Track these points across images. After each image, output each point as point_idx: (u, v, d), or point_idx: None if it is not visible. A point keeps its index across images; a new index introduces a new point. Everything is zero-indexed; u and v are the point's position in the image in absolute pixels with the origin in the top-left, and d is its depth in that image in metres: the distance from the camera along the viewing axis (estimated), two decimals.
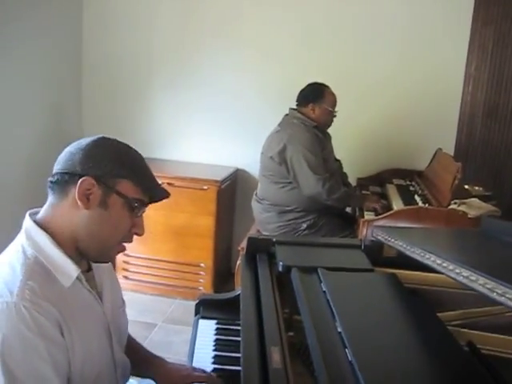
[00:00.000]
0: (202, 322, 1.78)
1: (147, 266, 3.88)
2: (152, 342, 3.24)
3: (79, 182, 1.25)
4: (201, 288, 3.82)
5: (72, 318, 1.24)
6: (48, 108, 3.89)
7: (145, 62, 4.21)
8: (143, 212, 1.36)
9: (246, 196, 3.94)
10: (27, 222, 1.31)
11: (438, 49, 3.81)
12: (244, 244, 3.26)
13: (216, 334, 1.67)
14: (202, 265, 3.82)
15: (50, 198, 1.32)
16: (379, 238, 1.78)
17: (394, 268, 1.68)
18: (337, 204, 3.23)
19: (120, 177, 1.29)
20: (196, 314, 1.86)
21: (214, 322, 1.76)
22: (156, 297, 3.85)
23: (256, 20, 4.01)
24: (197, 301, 1.89)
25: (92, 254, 1.34)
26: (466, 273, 1.14)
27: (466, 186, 3.26)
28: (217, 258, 3.84)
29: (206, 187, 3.70)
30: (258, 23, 4.01)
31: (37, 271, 1.23)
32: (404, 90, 3.89)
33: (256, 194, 3.51)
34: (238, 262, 3.24)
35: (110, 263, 1.52)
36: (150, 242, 3.81)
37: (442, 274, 1.27)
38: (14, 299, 1.14)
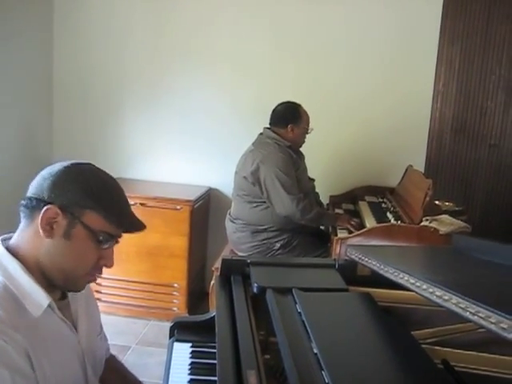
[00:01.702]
0: (176, 344, 1.75)
1: (120, 288, 3.84)
2: (126, 365, 3.19)
3: (44, 209, 1.22)
4: (175, 309, 3.80)
5: (43, 348, 1.20)
6: (17, 128, 3.84)
7: (116, 81, 4.20)
8: (114, 244, 1.32)
9: (219, 215, 3.93)
10: None
11: (408, 67, 3.90)
12: (218, 264, 3.25)
13: (191, 358, 1.64)
14: (175, 285, 3.79)
15: (21, 222, 1.29)
16: (353, 257, 1.79)
17: (368, 287, 1.68)
18: (310, 223, 3.25)
19: (86, 207, 1.25)
20: (170, 337, 1.83)
21: (189, 344, 1.74)
22: (129, 318, 3.80)
23: (229, 37, 4.04)
24: (171, 323, 1.86)
25: (58, 283, 1.30)
26: (439, 292, 1.15)
27: (437, 202, 3.31)
28: (190, 279, 3.82)
29: (179, 207, 3.69)
30: (231, 40, 4.04)
31: (6, 298, 1.19)
32: (375, 107, 3.96)
33: (229, 214, 3.50)
34: (212, 283, 3.21)
35: (87, 288, 1.49)
36: (123, 263, 3.77)
37: (415, 293, 1.28)
38: None
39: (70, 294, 1.39)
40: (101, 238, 1.28)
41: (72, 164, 1.30)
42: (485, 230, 3.91)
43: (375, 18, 3.88)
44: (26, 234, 1.28)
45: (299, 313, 1.41)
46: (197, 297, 3.96)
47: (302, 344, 1.25)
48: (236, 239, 3.39)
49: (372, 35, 3.89)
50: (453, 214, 3.09)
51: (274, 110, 3.40)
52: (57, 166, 1.29)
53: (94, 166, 1.33)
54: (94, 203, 1.26)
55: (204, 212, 4.11)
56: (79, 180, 1.27)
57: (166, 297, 3.81)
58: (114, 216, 1.29)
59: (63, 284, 1.31)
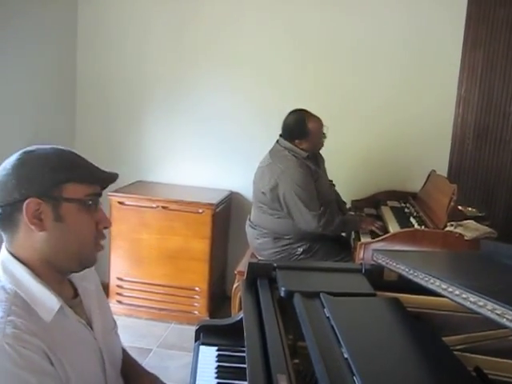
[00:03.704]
0: (202, 348, 1.75)
1: (141, 291, 3.85)
2: (147, 368, 3.20)
3: (24, 207, 1.20)
4: (196, 312, 3.80)
5: (61, 349, 1.19)
6: (40, 134, 3.83)
7: (138, 85, 4.21)
8: (99, 204, 1.31)
9: (240, 219, 3.94)
10: (3, 254, 1.26)
11: (432, 72, 3.86)
12: (240, 268, 3.28)
13: (218, 361, 1.64)
14: (196, 289, 3.79)
15: (5, 236, 1.26)
16: (380, 261, 1.77)
17: (394, 292, 1.67)
18: (333, 234, 3.24)
19: (61, 183, 1.23)
20: (196, 340, 1.82)
21: (215, 348, 1.73)
22: (150, 321, 3.81)
23: (252, 42, 4.03)
24: (197, 327, 1.86)
25: (73, 267, 1.30)
26: (473, 298, 1.13)
27: (460, 208, 3.27)
28: (212, 282, 3.82)
29: (201, 210, 3.69)
30: (254, 45, 4.03)
31: (18, 305, 1.18)
32: (398, 112, 3.93)
33: (250, 220, 3.48)
34: (235, 286, 3.23)
35: (98, 283, 1.50)
36: (144, 266, 3.80)
37: (448, 298, 1.26)
38: None
39: (81, 292, 1.38)
40: (89, 202, 1.27)
41: (21, 154, 1.26)
42: (507, 236, 3.86)
43: (398, 24, 3.85)
44: (15, 242, 1.25)
45: (327, 317, 1.40)
46: (217, 300, 3.96)
47: (331, 349, 1.24)
48: (258, 245, 3.38)
49: (395, 41, 3.86)
50: (476, 219, 3.07)
51: (283, 122, 3.32)
52: (8, 164, 1.24)
53: (38, 146, 1.29)
54: (65, 175, 1.24)
55: (225, 215, 4.11)
56: (39, 162, 1.24)
57: (187, 300, 3.82)
58: (87, 176, 1.27)
59: (79, 265, 1.30)
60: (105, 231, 1.35)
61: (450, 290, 1.24)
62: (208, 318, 3.60)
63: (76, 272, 1.34)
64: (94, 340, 1.34)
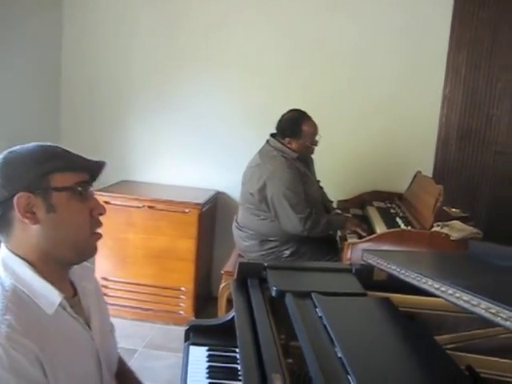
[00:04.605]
0: (192, 348, 1.74)
1: (127, 290, 3.83)
2: (132, 368, 3.18)
3: (14, 202, 1.20)
4: (181, 312, 3.79)
5: (56, 350, 1.18)
6: (25, 132, 3.76)
7: (125, 85, 4.19)
8: (91, 192, 1.31)
9: (226, 219, 3.94)
10: (3, 252, 1.26)
11: (418, 73, 3.90)
12: (227, 268, 3.28)
13: (208, 361, 1.63)
14: (182, 289, 3.78)
15: (1, 237, 1.26)
16: (370, 261, 1.78)
17: (384, 291, 1.68)
18: (320, 235, 3.23)
19: (48, 173, 1.23)
20: (186, 341, 1.82)
21: (205, 348, 1.73)
22: (136, 321, 3.79)
23: (240, 41, 4.04)
24: (186, 327, 1.85)
25: (72, 258, 1.29)
26: (466, 297, 1.14)
27: (444, 208, 3.30)
28: (197, 282, 3.81)
29: (187, 210, 3.68)
30: (242, 45, 4.04)
31: (15, 303, 1.17)
32: (385, 113, 3.96)
33: (236, 221, 3.47)
34: (222, 286, 3.22)
35: (97, 283, 1.50)
36: (130, 265, 3.78)
37: (440, 298, 1.27)
38: None
39: (80, 291, 1.37)
40: (80, 189, 1.26)
41: (2, 156, 1.26)
42: (490, 236, 3.88)
43: (385, 25, 3.87)
44: (14, 239, 1.25)
45: (320, 317, 1.41)
46: (203, 300, 3.95)
47: (325, 348, 1.25)
48: (244, 247, 3.38)
49: (382, 43, 3.89)
50: (460, 220, 3.09)
51: (280, 117, 3.31)
52: None
53: (20, 145, 1.29)
54: (51, 165, 1.24)
55: (211, 215, 4.10)
56: (22, 158, 1.24)
57: (173, 300, 3.80)
58: (74, 163, 1.28)
59: (77, 255, 1.30)
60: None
61: (443, 289, 1.25)
62: (194, 318, 3.58)
63: (77, 263, 1.34)
64: (91, 340, 1.33)
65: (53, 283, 1.24)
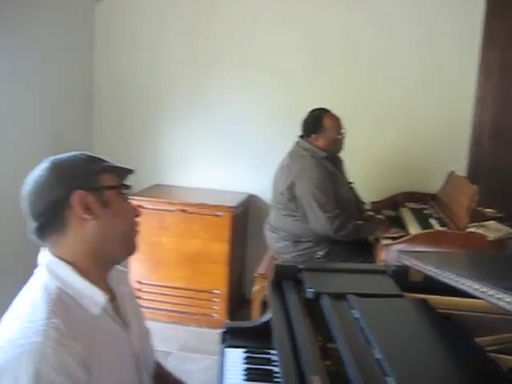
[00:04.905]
0: (228, 350, 1.75)
1: (161, 294, 3.86)
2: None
3: (72, 200, 1.25)
4: (215, 315, 3.80)
5: (99, 350, 1.21)
6: (57, 141, 3.84)
7: (155, 89, 4.24)
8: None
9: (258, 222, 3.95)
10: (47, 257, 1.29)
11: (449, 72, 3.84)
12: (261, 270, 3.29)
13: (245, 363, 1.64)
14: (216, 291, 3.79)
15: (50, 240, 1.29)
16: (406, 262, 1.77)
17: (420, 293, 1.66)
18: (345, 239, 3.20)
19: (98, 173, 1.31)
20: (222, 343, 1.83)
21: (242, 350, 1.73)
22: (170, 324, 3.82)
23: (266, 44, 4.04)
24: (223, 329, 1.86)
25: (120, 254, 1.36)
26: (508, 298, 1.12)
27: (479, 208, 3.25)
28: (231, 285, 3.82)
29: (220, 213, 3.70)
30: (269, 47, 4.03)
31: (61, 307, 1.19)
32: (416, 112, 3.91)
33: (269, 223, 3.48)
34: (255, 288, 3.23)
35: (131, 287, 1.53)
36: (163, 269, 3.81)
37: (480, 299, 1.25)
38: (39, 339, 1.10)
39: (118, 295, 1.40)
40: (123, 190, 1.36)
41: (47, 161, 1.31)
42: None
43: (414, 23, 3.83)
44: (65, 240, 1.28)
45: (356, 318, 1.40)
46: (236, 303, 3.96)
47: (363, 350, 1.24)
48: (278, 249, 3.38)
49: (411, 41, 3.85)
50: (495, 220, 3.05)
51: (303, 119, 3.35)
52: (36, 173, 1.29)
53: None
54: (99, 167, 1.32)
55: (244, 218, 4.11)
56: (72, 161, 1.32)
57: (207, 303, 3.82)
58: (112, 168, 1.36)
59: (125, 251, 1.36)
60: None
61: (483, 290, 1.22)
62: (228, 321, 3.59)
63: (121, 260, 1.40)
64: (130, 344, 1.35)
65: (96, 285, 1.27)
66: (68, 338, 1.14)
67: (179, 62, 4.19)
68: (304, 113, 3.38)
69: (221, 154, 4.22)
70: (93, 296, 1.26)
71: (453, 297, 1.60)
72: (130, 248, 1.37)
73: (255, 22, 4.04)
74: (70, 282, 1.25)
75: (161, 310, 3.85)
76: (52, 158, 1.32)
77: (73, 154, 1.35)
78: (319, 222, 3.13)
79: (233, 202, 3.81)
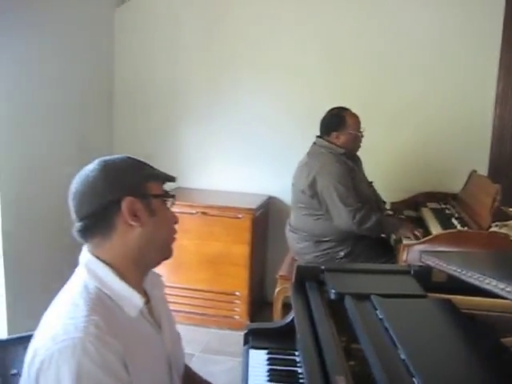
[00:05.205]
0: (252, 352, 1.75)
1: (182, 296, 3.87)
2: None
3: (122, 206, 1.27)
4: (236, 317, 3.81)
5: (135, 351, 1.23)
6: (78, 140, 3.89)
7: (173, 92, 4.26)
8: None
9: (278, 223, 3.95)
10: (86, 257, 1.31)
11: (469, 70, 3.80)
12: (282, 272, 3.29)
13: (269, 364, 1.64)
14: (237, 293, 3.80)
15: (93, 241, 1.31)
16: (429, 262, 1.76)
17: (444, 293, 1.65)
18: (369, 233, 3.20)
19: (145, 181, 1.33)
20: (245, 344, 1.83)
21: (265, 351, 1.74)
22: (191, 326, 3.82)
23: (283, 44, 4.03)
24: (245, 330, 1.87)
25: (158, 259, 1.39)
26: None
27: (502, 208, 3.22)
28: (252, 287, 3.83)
29: (240, 215, 3.71)
30: (285, 47, 4.03)
31: (100, 305, 1.22)
32: (435, 111, 3.88)
33: (289, 224, 3.49)
34: (277, 290, 3.23)
35: (164, 291, 1.56)
36: (184, 271, 3.83)
37: (505, 299, 1.25)
38: (80, 335, 1.13)
39: (152, 298, 1.42)
40: (168, 199, 1.38)
41: (99, 163, 1.33)
42: None
43: (434, 22, 3.81)
44: (108, 243, 1.30)
45: (380, 319, 1.40)
46: (257, 305, 3.97)
47: (388, 350, 1.24)
48: (299, 249, 3.38)
49: (431, 39, 3.82)
50: None
51: (321, 119, 3.38)
52: (86, 174, 1.31)
53: (106, 157, 1.39)
54: (147, 175, 1.35)
55: (264, 220, 4.11)
56: (121, 166, 1.34)
57: (228, 305, 3.83)
58: (159, 176, 1.39)
59: (162, 256, 1.39)
60: None
61: (509, 289, 1.22)
62: (249, 323, 3.60)
63: (158, 265, 1.41)
64: (163, 346, 1.38)
65: (133, 288, 1.30)
66: (108, 335, 1.16)
67: (197, 65, 4.20)
68: (322, 112, 3.39)
69: (240, 156, 4.22)
70: (130, 298, 1.28)
71: (476, 297, 1.59)
72: (167, 253, 1.40)
73: (271, 23, 4.04)
74: (108, 282, 1.27)
75: (182, 312, 3.85)
76: (102, 159, 1.35)
77: (121, 157, 1.37)
78: (341, 216, 3.13)
79: (253, 204, 3.82)
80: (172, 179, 1.41)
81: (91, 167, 1.32)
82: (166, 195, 1.38)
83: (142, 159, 1.41)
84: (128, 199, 1.28)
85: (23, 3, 3.17)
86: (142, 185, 1.32)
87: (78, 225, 1.29)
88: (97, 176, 1.29)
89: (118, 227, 1.29)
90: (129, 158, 1.38)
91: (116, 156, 1.38)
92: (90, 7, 3.89)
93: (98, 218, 1.28)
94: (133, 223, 1.28)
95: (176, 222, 1.42)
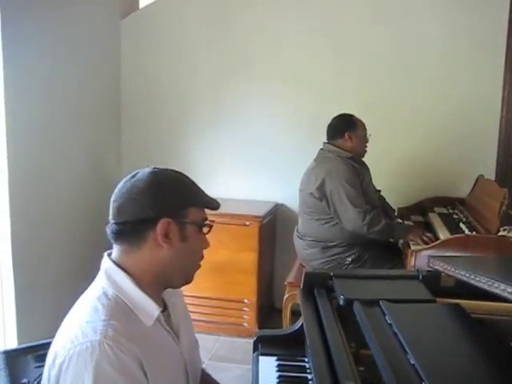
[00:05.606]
0: (262, 358, 1.76)
1: (190, 304, 3.82)
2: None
3: (158, 226, 1.28)
4: (245, 324, 3.81)
5: (152, 357, 1.25)
6: (87, 148, 3.92)
7: (180, 100, 4.28)
8: None
9: (286, 231, 3.96)
10: (106, 263, 1.34)
11: (475, 75, 3.80)
12: (290, 279, 3.29)
13: (278, 371, 1.65)
14: (245, 301, 3.80)
15: (122, 246, 1.33)
16: (437, 267, 1.76)
17: (453, 298, 1.65)
18: (379, 237, 3.19)
19: (187, 207, 1.33)
20: (254, 351, 1.84)
21: (274, 358, 1.74)
22: (200, 334, 3.76)
23: (292, 52, 4.05)
24: (254, 337, 1.87)
25: (179, 283, 1.39)
26: None
27: (510, 212, 3.21)
28: (260, 294, 3.83)
29: (248, 223, 3.72)
30: (293, 56, 4.05)
31: (118, 311, 1.24)
32: (441, 117, 3.89)
33: (297, 230, 3.49)
34: (285, 297, 3.22)
35: (183, 301, 1.58)
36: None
37: None
38: (98, 337, 1.16)
39: (169, 306, 1.43)
40: (205, 227, 1.37)
41: (151, 173, 1.34)
42: None
43: (439, 26, 3.81)
44: (135, 253, 1.32)
45: (389, 324, 1.40)
46: (266, 312, 3.97)
47: (397, 355, 1.24)
48: (306, 256, 3.38)
49: (436, 44, 3.83)
50: None
51: (328, 125, 3.41)
52: (140, 180, 1.32)
53: (158, 167, 1.39)
54: (190, 199, 1.35)
55: (271, 227, 4.12)
56: (170, 185, 1.34)
57: (236, 312, 3.83)
58: (203, 202, 1.38)
59: (183, 280, 1.40)
60: None
61: None
62: (258, 330, 3.59)
63: (176, 287, 1.43)
64: (180, 354, 1.39)
65: (151, 297, 1.31)
66: (126, 339, 1.19)
67: (203, 74, 4.22)
68: (329, 120, 3.41)
69: (248, 164, 4.24)
70: (147, 308, 1.29)
71: (485, 301, 1.59)
72: (188, 279, 1.41)
73: (278, 29, 4.05)
74: (126, 290, 1.29)
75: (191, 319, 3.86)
76: (154, 170, 1.36)
77: (172, 174, 1.38)
78: (350, 217, 3.14)
79: (260, 211, 3.83)
80: (214, 207, 1.40)
81: (141, 176, 1.33)
82: (203, 224, 1.37)
83: (190, 178, 1.40)
84: (165, 220, 1.29)
85: (35, 18, 3.22)
86: (182, 209, 1.33)
87: (112, 226, 1.32)
88: (144, 189, 1.30)
89: (149, 242, 1.31)
90: (179, 175, 1.39)
91: (168, 171, 1.38)
92: (95, 20, 3.92)
93: (132, 229, 1.30)
94: (163, 244, 1.30)
95: (206, 247, 1.42)
